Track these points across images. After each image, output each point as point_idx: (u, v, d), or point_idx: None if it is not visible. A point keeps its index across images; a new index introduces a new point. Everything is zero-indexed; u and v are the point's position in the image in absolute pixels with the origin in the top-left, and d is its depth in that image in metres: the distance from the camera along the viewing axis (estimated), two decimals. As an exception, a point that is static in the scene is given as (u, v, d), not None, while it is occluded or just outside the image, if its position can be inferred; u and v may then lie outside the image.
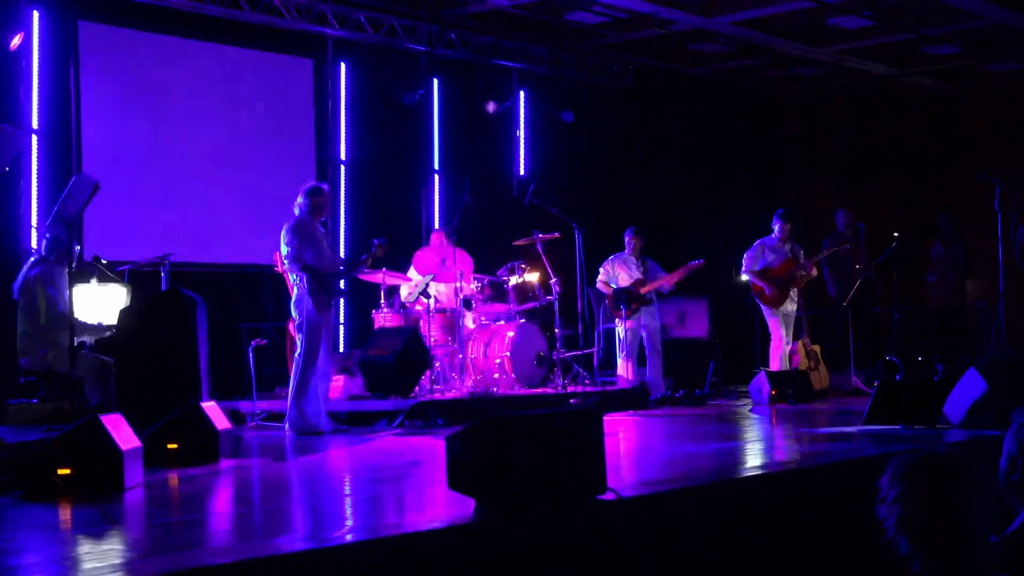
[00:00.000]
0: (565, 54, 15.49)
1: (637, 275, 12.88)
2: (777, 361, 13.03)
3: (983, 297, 16.38)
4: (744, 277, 13.26)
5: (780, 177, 18.05)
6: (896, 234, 14.17)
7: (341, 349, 13.32)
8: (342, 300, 12.80)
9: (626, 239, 13.07)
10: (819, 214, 15.63)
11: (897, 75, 16.83)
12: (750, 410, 11.65)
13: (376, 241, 10.40)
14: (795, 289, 13.09)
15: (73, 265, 8.84)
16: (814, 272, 13.26)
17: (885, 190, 17.17)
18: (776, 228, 13.22)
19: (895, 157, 17.38)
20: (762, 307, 13.20)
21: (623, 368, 12.82)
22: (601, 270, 13.06)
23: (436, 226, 14.02)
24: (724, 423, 10.49)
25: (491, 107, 14.71)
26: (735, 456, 7.95)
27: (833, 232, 14.70)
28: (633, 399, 11.95)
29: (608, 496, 5.26)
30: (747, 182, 17.39)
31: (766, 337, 13.29)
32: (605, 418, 5.61)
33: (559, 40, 15.11)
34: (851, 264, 14.18)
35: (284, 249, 9.81)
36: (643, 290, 12.81)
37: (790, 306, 13.11)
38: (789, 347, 13.08)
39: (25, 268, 9.66)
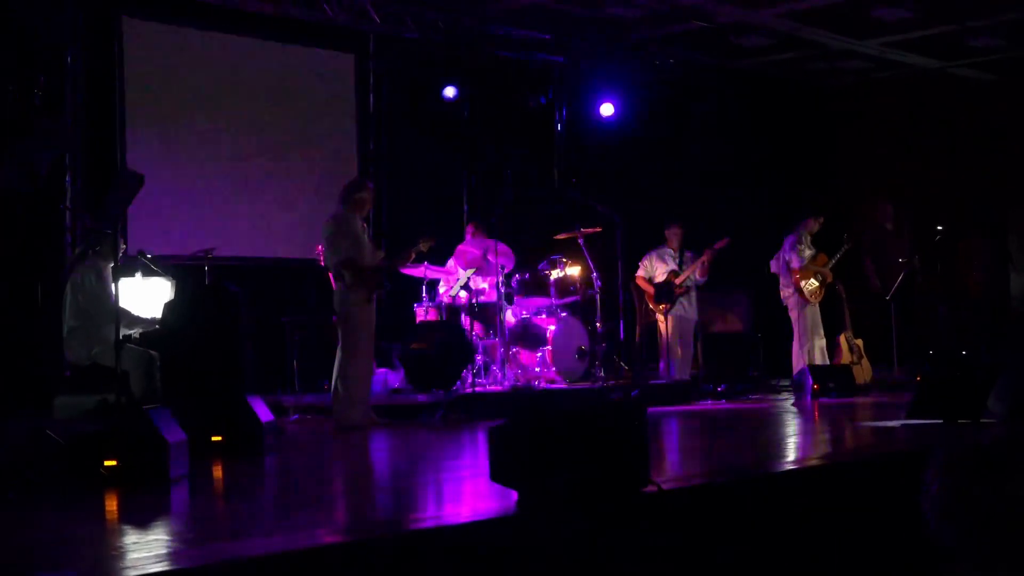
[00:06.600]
0: (604, 48, 15.42)
1: (673, 267, 12.88)
2: (799, 360, 12.83)
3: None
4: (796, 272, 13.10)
5: (823, 171, 17.91)
6: (940, 227, 14.03)
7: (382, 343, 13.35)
8: (383, 294, 12.83)
9: (666, 233, 13.07)
10: (862, 208, 15.51)
11: (941, 67, 16.69)
12: (792, 404, 11.61)
13: (422, 236, 10.42)
14: (818, 286, 12.95)
15: (119, 259, 8.91)
16: (829, 277, 13.05)
17: (929, 183, 17.02)
18: (803, 225, 13.18)
19: (939, 150, 17.22)
20: (787, 303, 13.11)
21: (664, 361, 12.81)
22: (640, 265, 13.05)
23: (476, 220, 14.02)
24: (766, 417, 10.46)
25: (532, 101, 14.69)
26: (777, 450, 7.94)
27: (873, 225, 14.56)
28: (675, 392, 11.94)
29: (650, 489, 5.27)
30: (790, 176, 17.28)
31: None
32: (647, 411, 5.61)
33: (599, 34, 15.05)
34: (894, 256, 14.05)
35: (324, 244, 9.88)
36: (677, 281, 12.81)
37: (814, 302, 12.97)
38: (809, 344, 12.89)
39: (70, 263, 9.72)
